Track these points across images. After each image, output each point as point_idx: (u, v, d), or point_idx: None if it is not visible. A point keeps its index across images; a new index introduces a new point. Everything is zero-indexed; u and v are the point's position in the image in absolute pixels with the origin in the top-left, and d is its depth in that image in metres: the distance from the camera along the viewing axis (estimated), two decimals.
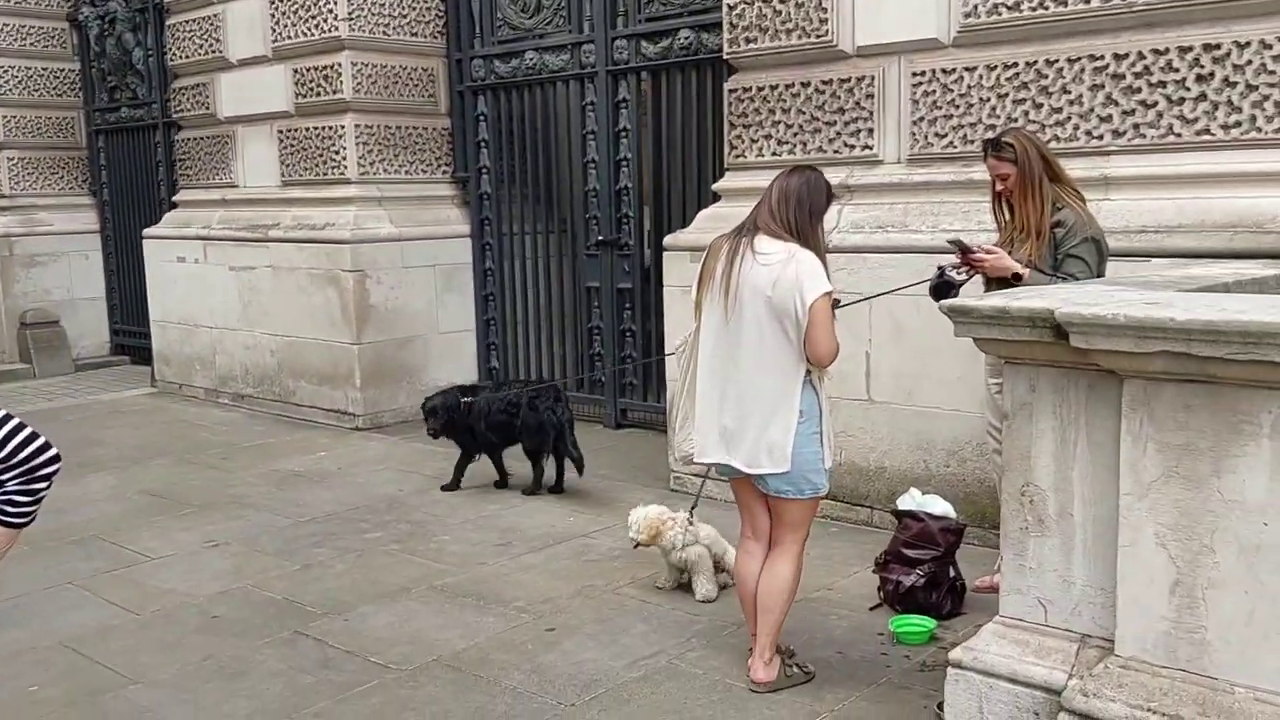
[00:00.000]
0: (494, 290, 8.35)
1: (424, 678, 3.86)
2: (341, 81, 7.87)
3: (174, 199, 9.76)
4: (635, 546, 4.50)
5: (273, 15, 8.25)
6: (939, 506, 4.35)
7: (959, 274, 4.03)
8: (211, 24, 8.81)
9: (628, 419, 7.65)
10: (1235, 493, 2.48)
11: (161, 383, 9.72)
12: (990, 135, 4.27)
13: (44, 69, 11.14)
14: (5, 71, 10.92)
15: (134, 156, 10.92)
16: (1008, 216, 4.16)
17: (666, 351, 6.01)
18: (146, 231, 9.79)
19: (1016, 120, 4.80)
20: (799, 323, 3.38)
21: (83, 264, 11.36)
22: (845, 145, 5.45)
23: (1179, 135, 4.45)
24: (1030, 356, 2.81)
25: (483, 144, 8.26)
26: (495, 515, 5.76)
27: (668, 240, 6.14)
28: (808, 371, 3.46)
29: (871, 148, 5.37)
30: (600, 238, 7.50)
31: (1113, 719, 2.60)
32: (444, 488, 6.19)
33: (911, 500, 4.42)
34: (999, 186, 4.04)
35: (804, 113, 5.58)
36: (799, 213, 3.48)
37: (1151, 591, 2.63)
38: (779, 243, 3.46)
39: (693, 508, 4.51)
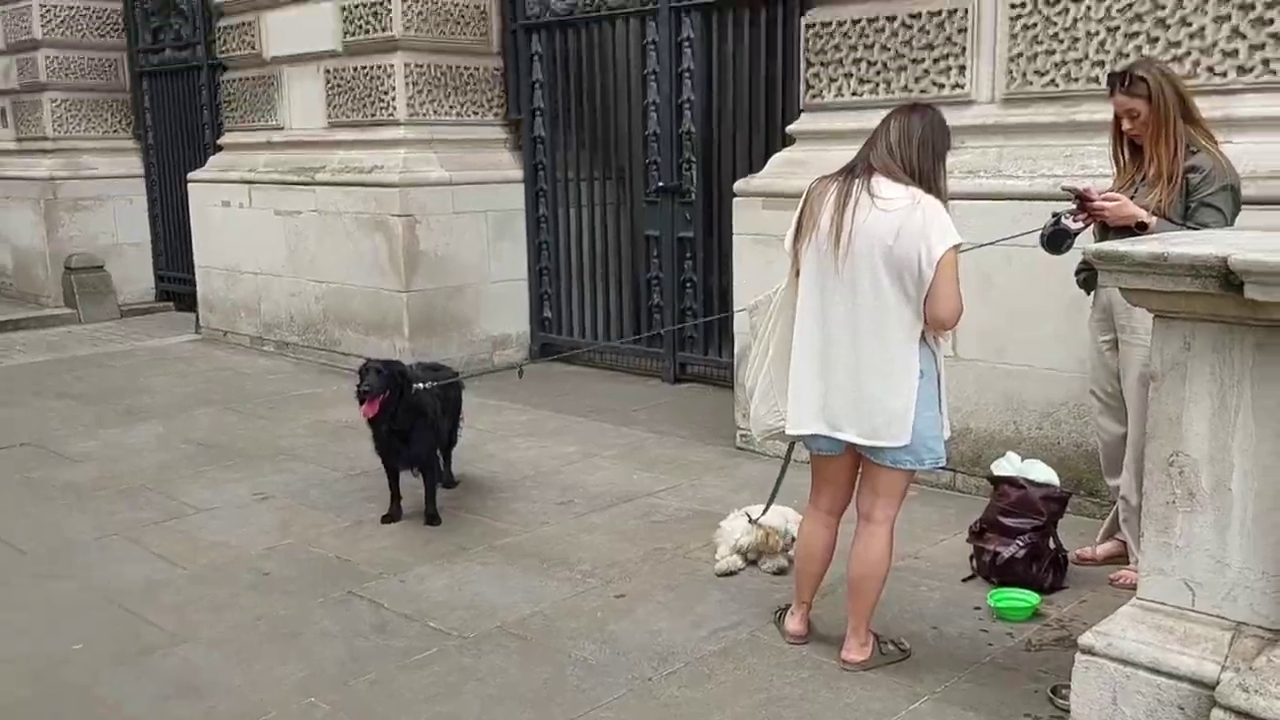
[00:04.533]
0: (548, 238, 8.05)
1: (487, 646, 3.62)
2: (391, 19, 7.55)
3: (219, 142, 9.51)
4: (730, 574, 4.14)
5: None
6: (1040, 472, 4.04)
7: (1075, 222, 3.69)
8: None
9: (687, 373, 7.36)
10: None
11: (206, 329, 9.54)
12: (1108, 71, 3.90)
13: (86, 9, 10.87)
14: (48, 11, 10.67)
15: (178, 99, 10.66)
16: (1127, 158, 3.80)
17: (736, 306, 5.72)
18: (191, 175, 9.56)
19: (1128, 55, 4.40)
20: (921, 278, 3.03)
21: (127, 208, 11.17)
22: (933, 84, 5.08)
23: None
24: (1188, 309, 2.48)
25: (537, 85, 7.93)
26: (555, 472, 5.50)
27: (738, 186, 5.80)
28: (922, 330, 3.13)
29: (963, 87, 4.99)
30: (661, 184, 7.17)
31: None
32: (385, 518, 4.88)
33: (1010, 465, 4.11)
34: (1126, 125, 3.66)
35: (889, 49, 5.21)
36: (922, 153, 3.10)
37: None
38: (900, 187, 3.08)
39: (767, 506, 4.07)
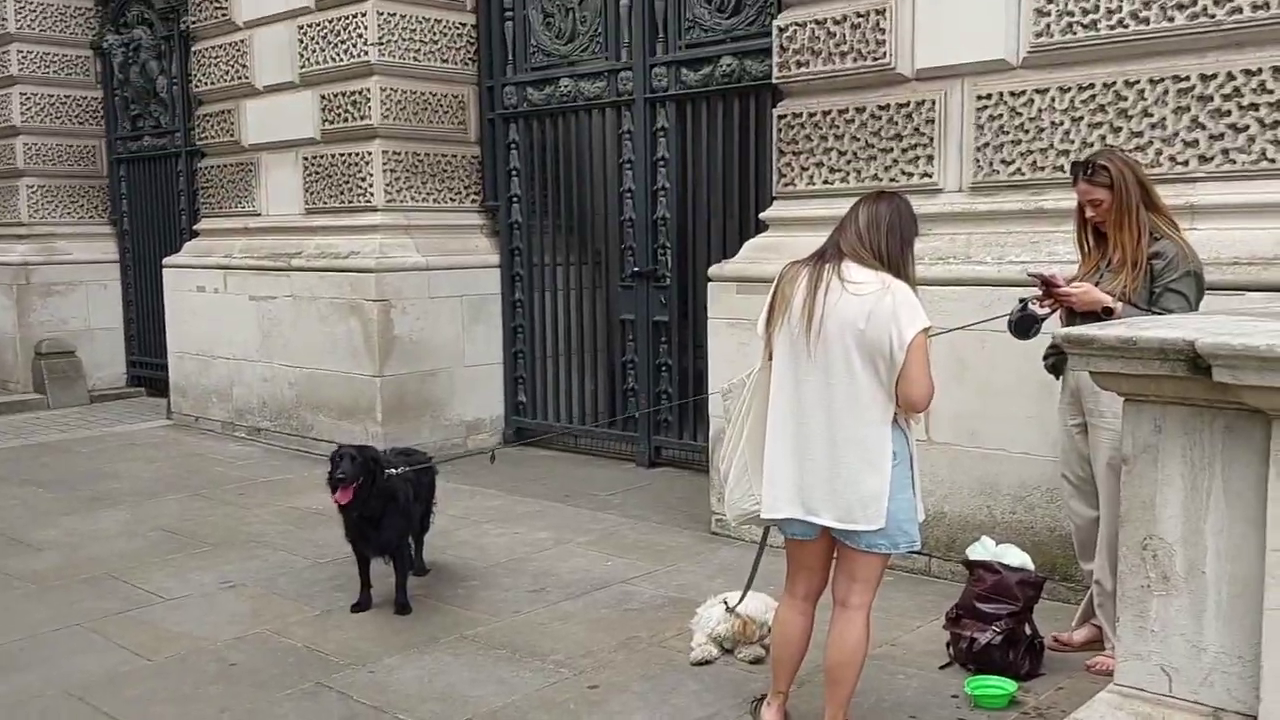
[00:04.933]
0: (523, 322, 8.08)
1: None
2: (370, 108, 7.67)
3: (195, 228, 9.54)
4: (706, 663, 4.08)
5: (301, 41, 8.07)
6: (1015, 557, 4.03)
7: (1042, 308, 3.74)
8: (238, 50, 8.64)
9: (662, 457, 7.34)
10: None
11: (177, 415, 9.45)
12: (1072, 160, 4.00)
13: (66, 96, 10.97)
14: (28, 99, 10.76)
15: (155, 185, 10.72)
16: (1092, 245, 3.87)
17: (711, 390, 5.74)
18: (166, 260, 9.56)
19: (1093, 145, 4.52)
20: (893, 360, 3.05)
21: (101, 293, 11.14)
22: (902, 173, 5.18)
23: (1273, 160, 4.16)
24: (1157, 393, 2.50)
25: (514, 172, 8.03)
26: (527, 559, 5.44)
27: (713, 270, 5.86)
28: (895, 412, 3.14)
29: (931, 175, 5.10)
30: (636, 269, 7.23)
31: None
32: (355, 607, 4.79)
33: (984, 550, 4.10)
34: (1089, 213, 3.75)
35: (858, 139, 5.32)
36: (890, 240, 3.15)
37: None
38: (870, 271, 3.12)
39: (744, 594, 4.00)
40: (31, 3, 10.70)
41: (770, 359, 3.29)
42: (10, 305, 10.83)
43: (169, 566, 5.41)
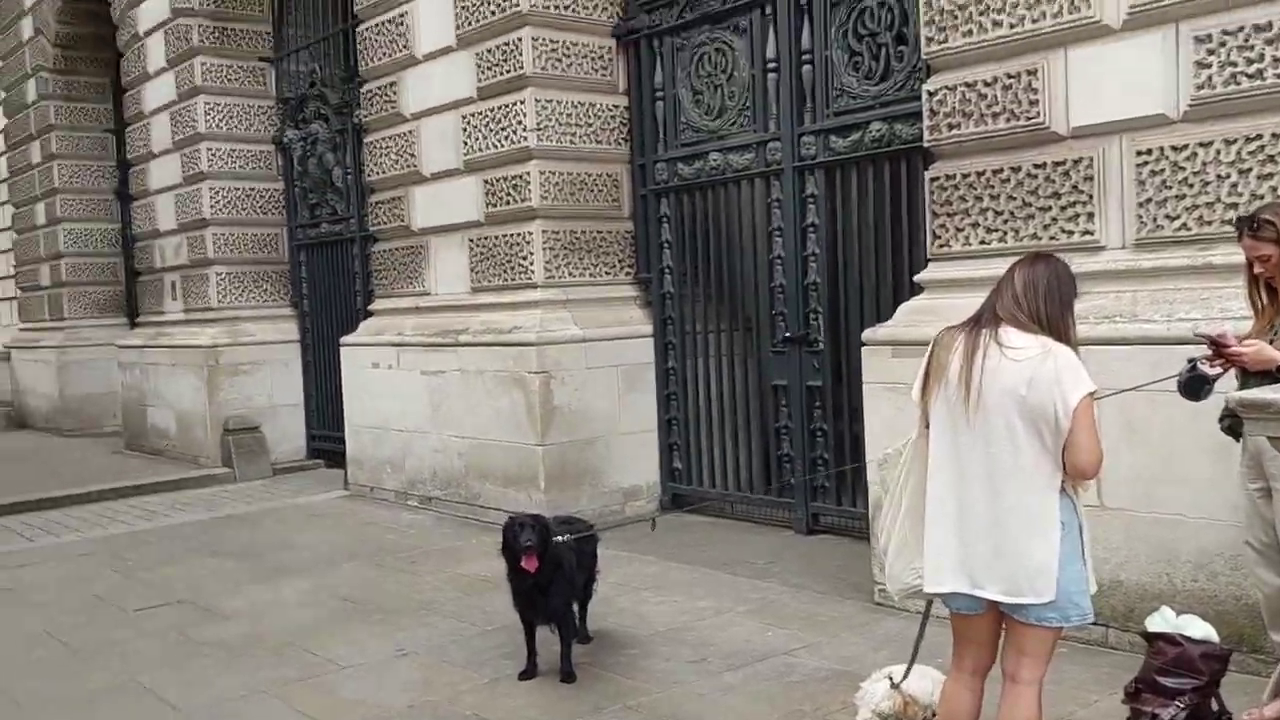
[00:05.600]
0: (676, 389, 8.19)
1: None
2: (530, 190, 7.98)
3: (369, 308, 10.05)
4: None
5: (464, 129, 8.48)
6: (1198, 628, 3.84)
7: (1212, 368, 3.60)
8: (407, 140, 9.14)
9: (820, 524, 7.27)
10: None
11: (354, 485, 9.89)
12: (1239, 214, 3.87)
13: (251, 189, 11.80)
14: (216, 193, 11.62)
15: (333, 268, 11.35)
16: (1265, 301, 3.72)
17: (868, 456, 5.70)
18: (343, 339, 10.08)
19: (1263, 197, 4.35)
20: (1058, 427, 2.98)
21: (283, 371, 11.80)
22: (1062, 231, 5.08)
23: None
24: None
25: (665, 245, 8.21)
26: (687, 628, 5.46)
27: (866, 335, 5.84)
28: (1062, 480, 3.06)
29: (1092, 233, 4.99)
30: (788, 334, 7.26)
31: None
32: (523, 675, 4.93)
33: (1164, 621, 3.91)
34: (1257, 269, 3.61)
35: (1015, 198, 5.25)
36: (1049, 303, 3.09)
37: None
38: (1029, 336, 3.07)
39: (908, 669, 3.90)
40: (219, 105, 11.60)
41: (927, 427, 3.27)
42: (201, 385, 11.60)
43: (346, 635, 5.65)
